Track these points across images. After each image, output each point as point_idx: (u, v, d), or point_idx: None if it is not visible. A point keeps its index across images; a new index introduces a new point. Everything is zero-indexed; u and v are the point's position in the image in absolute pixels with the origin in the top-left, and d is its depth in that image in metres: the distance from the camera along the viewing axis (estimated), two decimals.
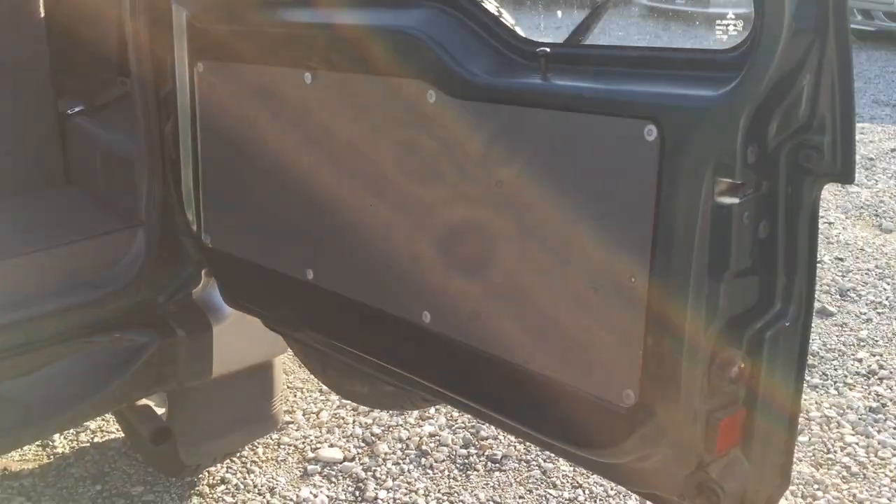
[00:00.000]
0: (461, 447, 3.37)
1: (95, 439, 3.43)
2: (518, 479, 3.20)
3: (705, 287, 1.21)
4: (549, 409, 1.46)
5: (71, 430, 3.43)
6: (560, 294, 1.39)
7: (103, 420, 3.48)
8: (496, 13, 1.50)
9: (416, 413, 3.55)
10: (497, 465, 3.27)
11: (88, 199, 2.75)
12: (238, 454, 3.26)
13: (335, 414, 3.57)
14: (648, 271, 1.25)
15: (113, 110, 2.77)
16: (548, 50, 1.39)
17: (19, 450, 3.30)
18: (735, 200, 1.16)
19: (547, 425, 1.49)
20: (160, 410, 2.92)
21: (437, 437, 3.42)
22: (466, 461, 3.30)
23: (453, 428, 3.46)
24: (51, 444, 3.36)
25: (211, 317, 2.43)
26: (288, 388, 3.73)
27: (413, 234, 1.63)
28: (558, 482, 3.18)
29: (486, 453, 3.33)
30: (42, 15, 2.75)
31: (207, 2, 2.07)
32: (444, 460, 3.30)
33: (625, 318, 1.30)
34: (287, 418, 3.53)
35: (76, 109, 2.86)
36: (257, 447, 3.32)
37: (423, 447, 3.36)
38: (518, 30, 1.53)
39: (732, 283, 1.21)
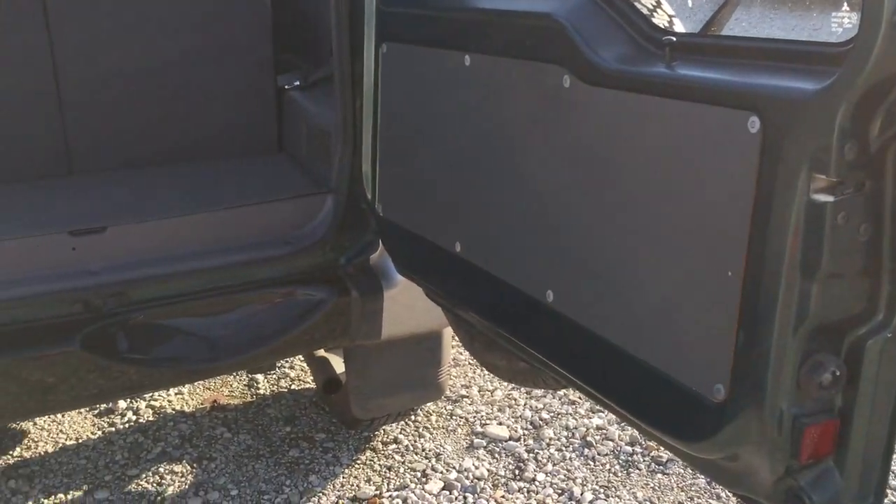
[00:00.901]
0: (627, 444, 3.34)
1: (293, 386, 3.77)
2: (680, 485, 3.13)
3: (797, 286, 1.16)
4: (650, 397, 1.46)
5: (273, 375, 3.81)
6: (662, 281, 1.39)
7: (302, 370, 3.82)
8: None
9: (586, 404, 3.57)
10: (661, 467, 3.22)
11: (294, 165, 3.04)
12: (412, 418, 3.46)
13: (508, 395, 3.67)
14: (744, 266, 1.23)
15: (322, 87, 3.03)
16: (673, 39, 1.39)
17: (229, 386, 3.72)
18: (830, 199, 1.11)
19: (647, 413, 1.50)
20: (339, 366, 3.17)
21: (604, 431, 3.42)
22: (630, 458, 3.27)
23: (622, 424, 3.43)
24: (255, 385, 3.74)
25: (383, 282, 2.61)
26: (469, 363, 3.88)
27: (539, 214, 1.68)
28: (723, 494, 3.07)
29: (651, 454, 3.28)
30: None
31: None
32: (607, 454, 3.29)
33: (720, 311, 1.28)
34: (463, 392, 3.68)
35: (293, 85, 3.17)
36: (430, 415, 3.50)
37: (589, 438, 3.37)
38: (661, 15, 1.53)
39: (827, 285, 1.16)
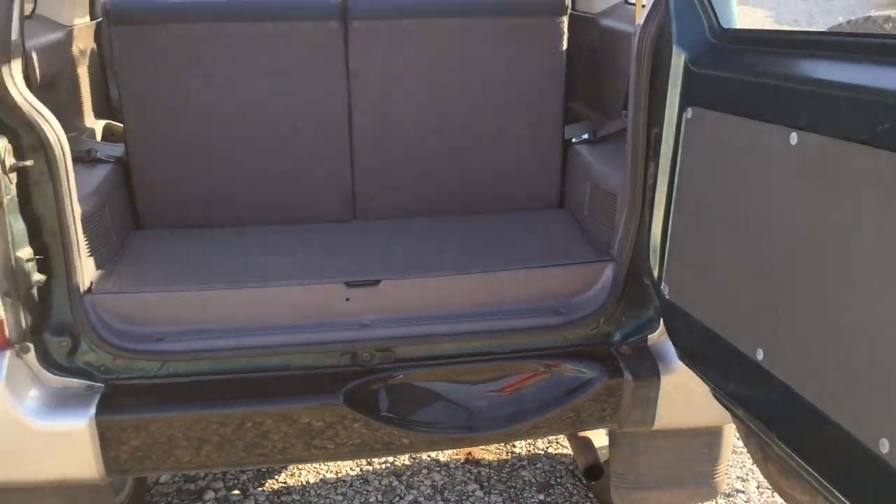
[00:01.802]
0: None
1: (549, 449, 3.57)
2: None
3: None
4: None
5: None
6: None
7: None
8: None
9: None
10: None
11: (572, 225, 2.85)
12: None
13: None
14: None
15: (611, 143, 2.82)
16: None
17: None
18: None
19: None
20: (602, 444, 2.92)
21: None
22: None
23: None
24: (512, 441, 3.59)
25: (661, 366, 2.34)
26: (746, 453, 3.46)
27: (882, 342, 1.34)
28: None
29: None
30: (564, 48, 2.91)
31: (708, 45, 1.96)
32: None
33: None
34: (738, 486, 3.28)
35: (581, 138, 2.98)
36: None
37: None
38: None
39: None
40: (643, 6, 2.69)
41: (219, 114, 2.81)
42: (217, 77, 2.77)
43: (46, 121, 2.09)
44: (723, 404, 2.03)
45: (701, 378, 2.06)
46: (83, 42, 3.25)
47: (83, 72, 3.19)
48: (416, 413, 2.35)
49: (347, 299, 2.37)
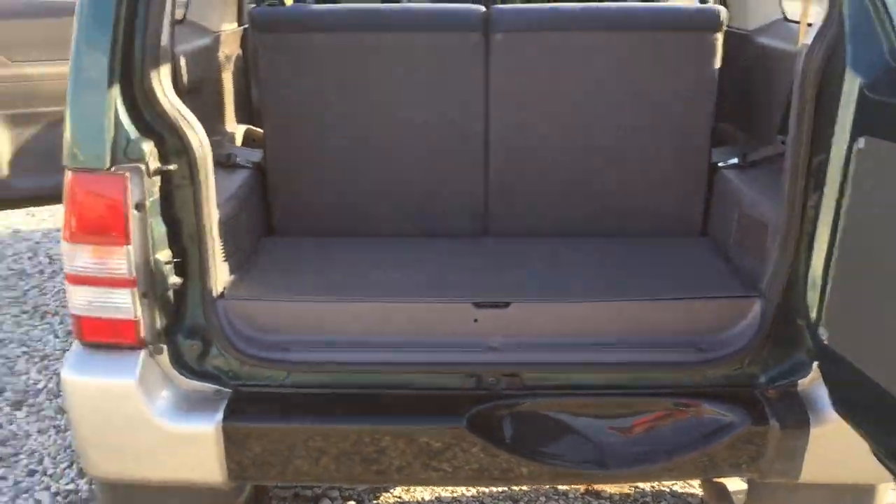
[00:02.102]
0: None
1: (675, 486, 3.39)
2: None
3: None
4: None
5: None
6: None
7: None
8: None
9: None
10: None
11: (716, 254, 2.68)
12: None
13: None
14: None
15: (763, 168, 2.63)
16: None
17: None
18: None
19: None
20: (737, 488, 2.73)
21: None
22: None
23: None
24: None
25: (812, 416, 2.15)
26: None
27: None
28: None
29: None
30: (717, 66, 2.74)
31: (888, 69, 1.78)
32: None
33: None
34: None
35: (729, 162, 2.81)
36: None
37: None
38: None
39: None
40: (809, 25, 2.51)
41: (355, 124, 2.80)
42: (356, 87, 2.76)
43: (191, 126, 2.11)
44: (885, 465, 1.83)
45: (860, 433, 1.88)
46: (229, 48, 3.32)
47: (227, 77, 3.26)
48: (540, 443, 2.25)
49: (475, 320, 2.30)
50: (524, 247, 2.77)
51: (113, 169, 2.01)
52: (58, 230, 5.47)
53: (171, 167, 2.10)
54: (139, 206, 2.04)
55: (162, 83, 2.07)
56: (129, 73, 2.02)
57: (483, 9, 2.75)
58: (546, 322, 2.30)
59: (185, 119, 2.10)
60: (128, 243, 2.03)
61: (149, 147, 2.04)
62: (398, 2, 3.81)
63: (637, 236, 2.83)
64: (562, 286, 2.43)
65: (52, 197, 4.21)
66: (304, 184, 2.85)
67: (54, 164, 3.99)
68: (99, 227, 2.03)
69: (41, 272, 4.90)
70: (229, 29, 3.42)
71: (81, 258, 2.06)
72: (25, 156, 3.82)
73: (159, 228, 2.10)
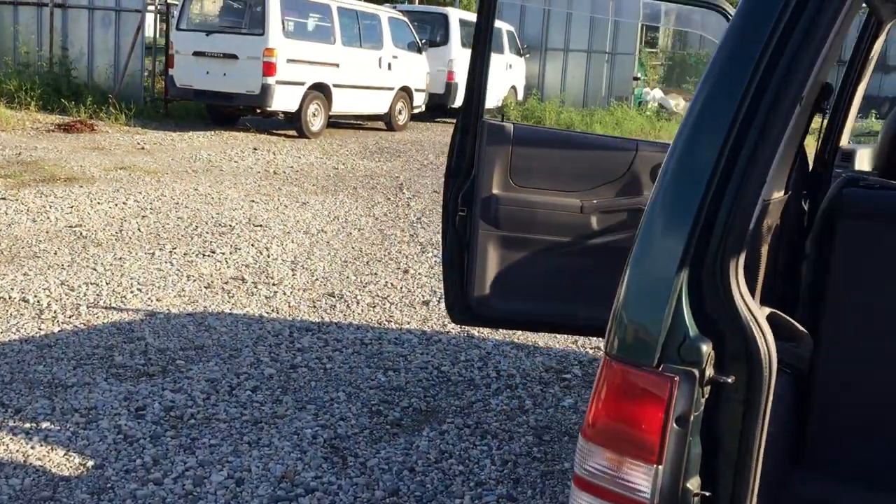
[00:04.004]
0: None
1: None
2: None
3: None
4: None
5: None
6: None
7: None
8: None
9: None
10: None
11: None
12: None
13: None
14: None
15: None
16: None
17: None
18: None
19: None
20: None
21: None
22: None
23: None
24: None
25: None
26: None
27: None
28: None
29: None
30: None
31: None
32: None
33: None
34: None
35: None
36: None
37: None
38: None
39: None
40: None
41: None
42: None
43: (762, 331, 1.67)
44: None
45: None
46: (771, 218, 2.86)
47: (765, 251, 2.79)
48: None
49: None
50: None
51: (661, 368, 1.64)
52: (506, 343, 5.45)
53: (728, 379, 1.67)
54: (681, 420, 1.63)
55: (738, 274, 1.67)
56: (702, 255, 1.66)
57: None
58: None
59: (756, 321, 1.67)
60: (659, 463, 1.63)
61: (707, 349, 1.64)
62: None
63: None
64: None
65: (526, 324, 4.12)
66: (859, 404, 2.24)
67: (536, 292, 3.88)
68: (628, 435, 1.66)
69: (487, 385, 4.86)
70: (776, 197, 2.95)
71: (596, 460, 1.71)
72: (510, 279, 3.75)
73: (695, 451, 1.67)
